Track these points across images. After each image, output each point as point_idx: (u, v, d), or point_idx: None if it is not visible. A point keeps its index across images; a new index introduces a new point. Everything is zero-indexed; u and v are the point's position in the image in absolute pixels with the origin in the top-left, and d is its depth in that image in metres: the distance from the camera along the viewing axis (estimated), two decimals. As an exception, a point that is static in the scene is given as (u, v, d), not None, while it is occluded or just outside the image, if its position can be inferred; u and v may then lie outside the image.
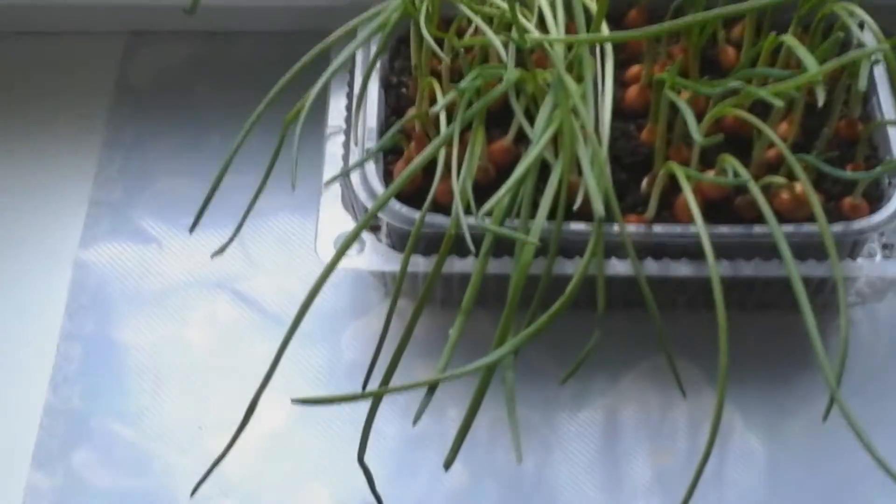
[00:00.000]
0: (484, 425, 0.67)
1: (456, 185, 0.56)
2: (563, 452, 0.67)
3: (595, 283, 0.58)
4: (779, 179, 0.63)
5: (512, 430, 0.50)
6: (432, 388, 0.52)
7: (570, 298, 0.53)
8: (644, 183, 0.67)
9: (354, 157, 0.68)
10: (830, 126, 0.68)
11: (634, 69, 0.72)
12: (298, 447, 0.66)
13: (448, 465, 0.52)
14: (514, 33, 0.57)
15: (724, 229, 0.64)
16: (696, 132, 0.54)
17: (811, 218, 0.65)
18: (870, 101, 0.70)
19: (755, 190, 0.59)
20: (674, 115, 0.64)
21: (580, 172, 0.57)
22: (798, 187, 0.65)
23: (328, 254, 0.65)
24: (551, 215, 0.58)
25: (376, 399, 0.58)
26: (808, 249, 0.65)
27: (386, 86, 0.73)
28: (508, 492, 0.66)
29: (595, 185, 0.52)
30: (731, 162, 0.61)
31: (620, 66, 0.72)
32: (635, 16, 0.75)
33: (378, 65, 0.71)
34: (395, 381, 0.58)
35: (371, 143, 0.68)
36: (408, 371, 0.63)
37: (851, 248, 0.67)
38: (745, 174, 0.59)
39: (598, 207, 0.52)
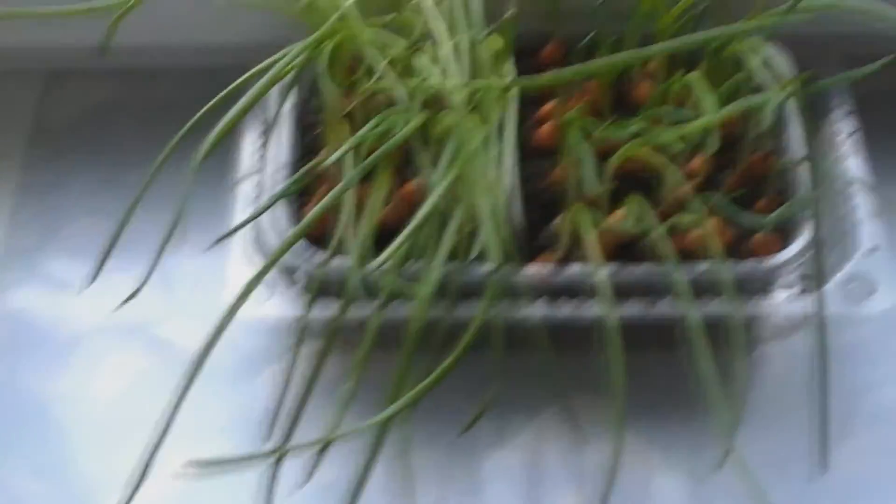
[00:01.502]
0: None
1: (351, 233, 0.56)
2: (478, 497, 0.66)
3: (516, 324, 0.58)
4: (684, 219, 0.63)
5: (405, 484, 0.49)
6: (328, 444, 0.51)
7: (464, 351, 0.52)
8: (555, 223, 0.67)
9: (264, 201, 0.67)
10: (742, 161, 0.68)
11: (548, 106, 0.72)
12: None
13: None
14: (414, 80, 0.56)
15: (623, 269, 0.64)
16: (594, 180, 0.54)
17: (725, 254, 0.65)
18: (783, 133, 0.70)
19: (656, 233, 0.59)
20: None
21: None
22: (706, 225, 0.65)
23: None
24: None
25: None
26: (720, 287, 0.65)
27: (303, 125, 0.72)
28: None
29: (491, 232, 0.51)
30: (636, 204, 0.61)
31: (536, 103, 0.72)
32: (551, 50, 0.75)
33: (293, 104, 0.70)
34: (308, 428, 0.57)
35: (280, 186, 0.67)
36: (323, 417, 0.62)
37: (764, 284, 0.66)
38: (648, 218, 0.59)
39: (493, 256, 0.51)
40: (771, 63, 0.63)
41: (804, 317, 0.69)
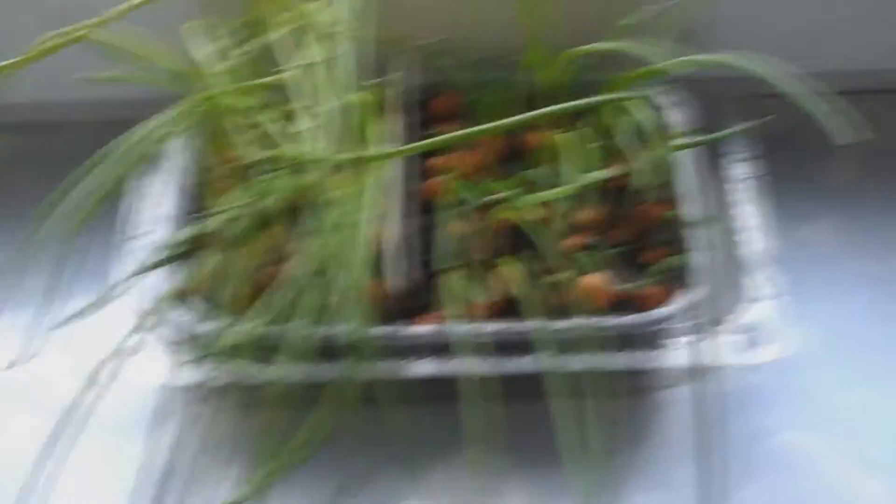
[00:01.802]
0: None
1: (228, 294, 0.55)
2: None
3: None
4: (564, 276, 0.62)
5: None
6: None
7: (329, 412, 0.52)
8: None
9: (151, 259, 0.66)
10: (632, 212, 0.68)
11: (440, 160, 0.71)
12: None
13: None
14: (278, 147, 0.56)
15: (497, 326, 0.63)
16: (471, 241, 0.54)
17: (610, 307, 0.65)
18: (677, 181, 0.70)
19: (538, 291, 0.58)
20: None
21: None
22: (591, 279, 0.65)
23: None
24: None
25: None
26: (610, 340, 0.65)
27: (198, 182, 0.71)
28: None
29: (352, 295, 0.51)
30: (511, 266, 0.61)
31: (430, 155, 0.72)
32: (444, 101, 0.75)
33: (183, 161, 0.70)
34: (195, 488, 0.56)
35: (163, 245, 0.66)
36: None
37: (651, 336, 0.66)
38: (524, 278, 0.58)
39: (354, 318, 0.51)
40: (661, 112, 0.63)
41: (694, 367, 0.69)
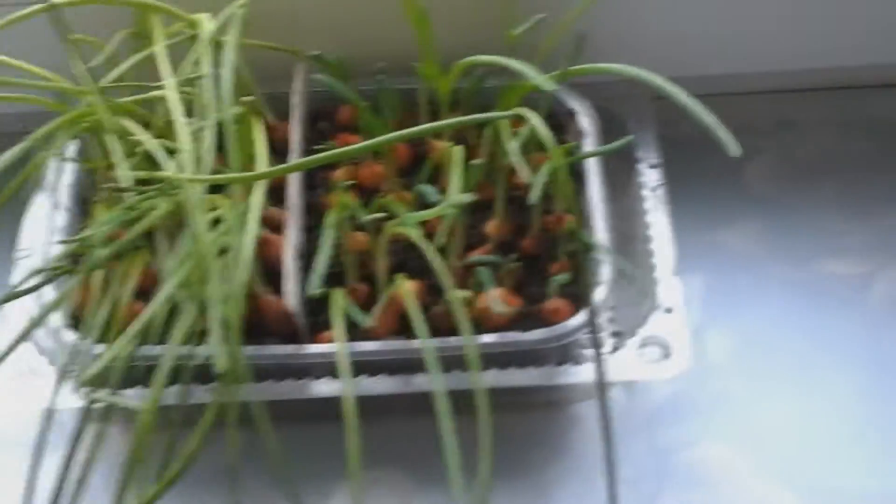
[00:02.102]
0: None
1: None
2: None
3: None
4: (463, 293, 0.61)
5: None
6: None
7: (205, 433, 0.50)
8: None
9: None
10: (537, 224, 0.67)
11: (339, 172, 0.70)
12: None
13: None
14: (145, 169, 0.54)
15: (369, 345, 0.62)
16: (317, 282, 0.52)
17: (513, 323, 0.64)
18: (582, 192, 0.69)
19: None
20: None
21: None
22: (493, 295, 0.63)
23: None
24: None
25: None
26: (513, 357, 0.64)
27: (80, 201, 0.69)
28: None
29: (217, 330, 0.49)
30: (409, 282, 0.59)
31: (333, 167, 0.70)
32: (346, 112, 0.73)
33: (72, 179, 0.68)
34: None
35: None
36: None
37: (559, 350, 0.65)
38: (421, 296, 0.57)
39: (220, 364, 0.49)
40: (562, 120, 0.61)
41: (602, 381, 0.67)
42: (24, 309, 0.62)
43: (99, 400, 0.52)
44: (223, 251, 0.54)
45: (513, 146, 0.58)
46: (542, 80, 0.53)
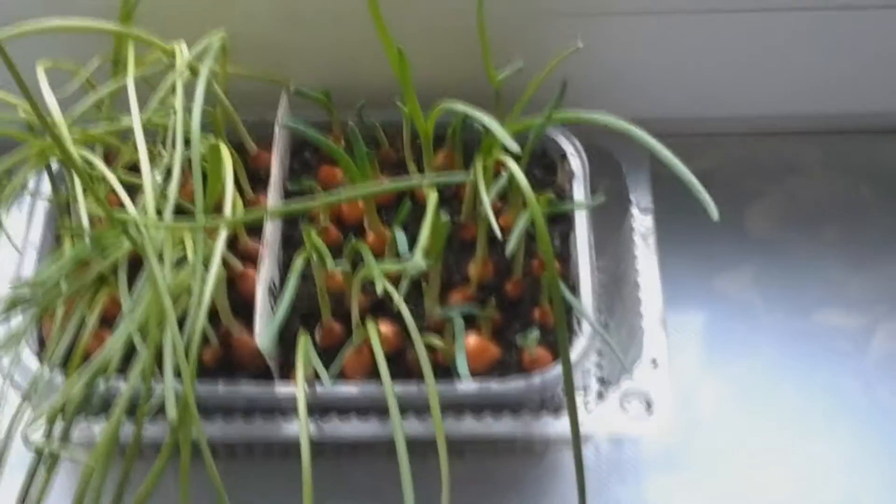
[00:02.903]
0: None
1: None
2: None
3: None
4: (439, 338, 0.59)
5: None
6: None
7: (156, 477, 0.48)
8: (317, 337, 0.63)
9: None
10: (519, 267, 0.65)
11: (320, 208, 0.68)
12: None
13: None
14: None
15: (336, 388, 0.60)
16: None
17: (492, 370, 0.62)
18: (568, 239, 0.67)
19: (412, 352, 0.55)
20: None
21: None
22: (472, 340, 0.61)
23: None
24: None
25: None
26: (492, 404, 0.62)
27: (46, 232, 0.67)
28: None
29: (170, 376, 0.47)
30: (369, 329, 0.57)
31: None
32: (337, 134, 0.71)
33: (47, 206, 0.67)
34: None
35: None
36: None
37: (538, 399, 0.63)
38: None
39: (170, 412, 0.47)
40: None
41: (581, 432, 0.65)
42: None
43: (43, 447, 0.50)
44: (185, 292, 0.52)
45: (484, 199, 0.56)
46: (506, 139, 0.51)
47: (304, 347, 0.56)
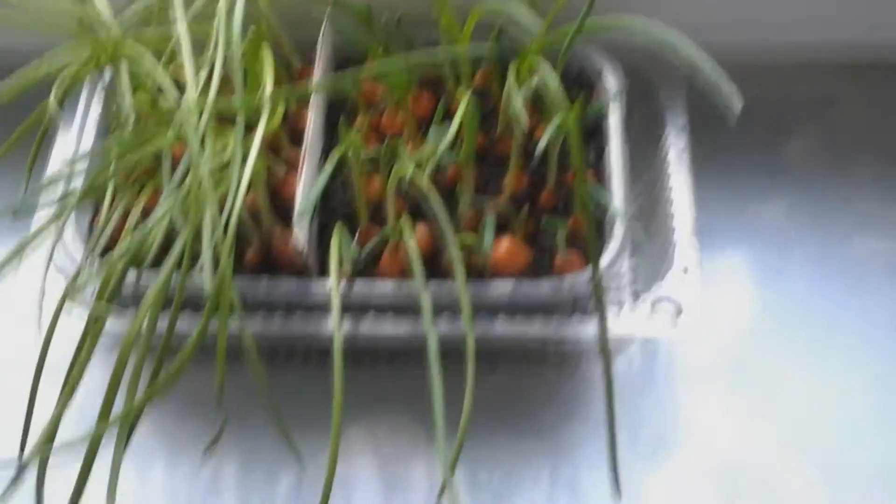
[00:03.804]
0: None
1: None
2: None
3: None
4: (475, 239, 0.61)
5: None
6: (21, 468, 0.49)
7: (167, 385, 0.50)
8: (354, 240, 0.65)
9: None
10: (554, 178, 0.66)
11: (360, 119, 0.70)
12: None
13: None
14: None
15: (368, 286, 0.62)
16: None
17: (524, 270, 0.63)
18: (604, 149, 0.68)
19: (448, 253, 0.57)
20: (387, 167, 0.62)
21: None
22: (505, 243, 0.63)
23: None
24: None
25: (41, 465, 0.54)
26: (524, 307, 0.63)
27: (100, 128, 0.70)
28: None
29: (209, 251, 0.49)
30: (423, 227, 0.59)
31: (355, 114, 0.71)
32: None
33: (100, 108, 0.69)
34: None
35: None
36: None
37: (568, 304, 0.64)
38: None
39: (208, 283, 0.49)
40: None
41: (611, 336, 0.66)
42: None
43: (91, 309, 0.52)
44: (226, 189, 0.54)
45: (516, 95, 0.58)
46: (528, 20, 0.52)
47: (339, 234, 0.57)
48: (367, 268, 0.63)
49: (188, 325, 0.56)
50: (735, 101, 0.52)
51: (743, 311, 0.72)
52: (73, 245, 0.63)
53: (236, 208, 0.51)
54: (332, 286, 0.56)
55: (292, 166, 0.67)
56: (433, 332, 0.54)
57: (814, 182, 0.78)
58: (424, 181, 0.57)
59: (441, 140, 0.58)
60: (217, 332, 0.51)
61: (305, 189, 0.63)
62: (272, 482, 0.67)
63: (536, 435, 0.68)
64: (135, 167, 0.57)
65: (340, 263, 0.57)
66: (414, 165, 0.56)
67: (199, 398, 0.68)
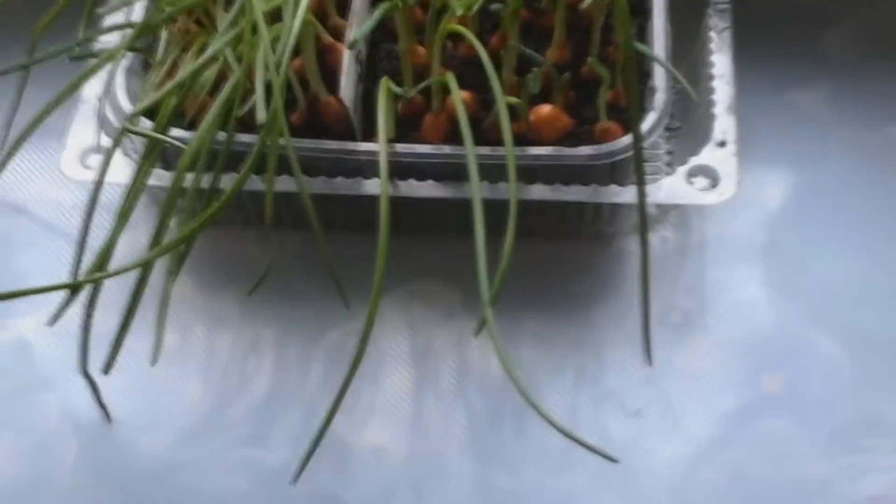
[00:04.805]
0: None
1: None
2: (301, 373, 0.67)
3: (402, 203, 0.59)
4: (511, 100, 0.61)
5: (158, 332, 0.49)
6: (74, 290, 0.51)
7: (221, 208, 0.51)
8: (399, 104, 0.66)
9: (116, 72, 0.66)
10: (596, 50, 0.67)
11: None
12: (38, 357, 0.66)
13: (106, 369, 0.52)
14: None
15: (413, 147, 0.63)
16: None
17: (563, 138, 0.64)
18: (647, 23, 0.69)
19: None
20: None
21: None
22: (545, 108, 0.64)
23: (73, 168, 0.65)
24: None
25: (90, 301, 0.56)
26: (561, 173, 0.64)
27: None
28: (249, 412, 0.66)
29: (261, 91, 0.50)
30: (451, 88, 0.60)
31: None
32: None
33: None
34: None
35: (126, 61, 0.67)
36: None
37: (611, 170, 0.65)
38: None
39: (261, 114, 0.50)
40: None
41: (650, 206, 0.67)
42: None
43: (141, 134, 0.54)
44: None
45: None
46: None
47: (386, 85, 0.59)
48: (408, 134, 0.65)
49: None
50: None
51: (777, 192, 0.73)
52: (122, 100, 0.65)
53: (288, 48, 0.52)
54: (381, 133, 0.57)
55: (338, 37, 0.68)
56: (479, 196, 0.55)
57: (853, 70, 0.78)
58: (470, 35, 0.58)
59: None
60: (268, 153, 0.53)
61: (352, 54, 0.64)
62: (310, 345, 0.68)
63: (567, 310, 0.69)
64: (189, 14, 0.58)
65: (387, 117, 0.58)
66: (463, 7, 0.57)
67: (241, 264, 0.70)
